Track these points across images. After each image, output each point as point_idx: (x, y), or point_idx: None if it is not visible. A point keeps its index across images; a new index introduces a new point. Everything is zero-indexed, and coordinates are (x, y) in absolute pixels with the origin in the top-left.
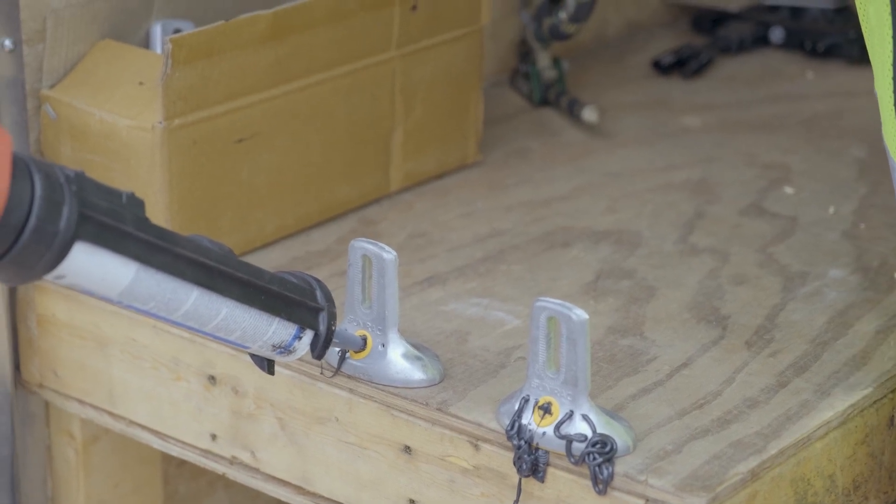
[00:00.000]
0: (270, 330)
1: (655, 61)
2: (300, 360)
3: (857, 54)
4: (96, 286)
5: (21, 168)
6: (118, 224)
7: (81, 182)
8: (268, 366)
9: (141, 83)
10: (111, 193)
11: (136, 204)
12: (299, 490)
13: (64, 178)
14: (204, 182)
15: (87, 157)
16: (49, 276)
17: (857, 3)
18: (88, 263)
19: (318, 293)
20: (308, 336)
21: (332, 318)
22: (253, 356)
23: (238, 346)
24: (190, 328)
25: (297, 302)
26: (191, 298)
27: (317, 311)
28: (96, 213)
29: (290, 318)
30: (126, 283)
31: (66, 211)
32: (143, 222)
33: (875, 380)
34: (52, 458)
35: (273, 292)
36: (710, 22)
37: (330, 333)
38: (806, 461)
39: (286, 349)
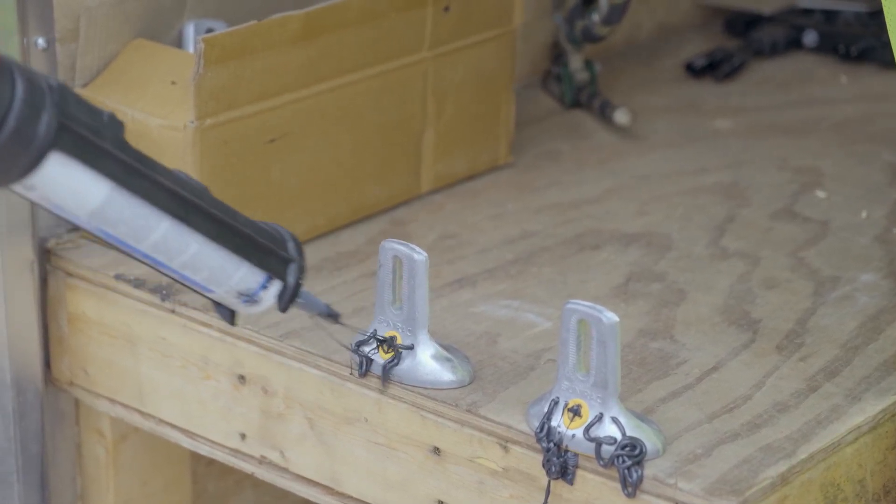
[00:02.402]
0: (238, 275)
1: (687, 64)
2: (329, 360)
3: (891, 58)
4: (67, 202)
5: (4, 69)
6: (97, 140)
7: (64, 93)
8: (231, 316)
9: (173, 82)
10: (93, 111)
11: (117, 125)
12: (328, 490)
13: (47, 86)
14: (235, 182)
15: None
16: (20, 187)
17: (883, 2)
18: (62, 176)
19: (290, 245)
20: (275, 288)
21: (302, 271)
22: (216, 304)
23: (202, 290)
24: (156, 262)
25: (268, 249)
26: (161, 228)
27: (287, 261)
28: (76, 125)
29: (259, 265)
30: (97, 202)
31: (45, 117)
32: (123, 143)
33: None
34: (81, 456)
35: (245, 235)
36: (743, 24)
37: (298, 286)
38: (836, 466)
39: (251, 298)
